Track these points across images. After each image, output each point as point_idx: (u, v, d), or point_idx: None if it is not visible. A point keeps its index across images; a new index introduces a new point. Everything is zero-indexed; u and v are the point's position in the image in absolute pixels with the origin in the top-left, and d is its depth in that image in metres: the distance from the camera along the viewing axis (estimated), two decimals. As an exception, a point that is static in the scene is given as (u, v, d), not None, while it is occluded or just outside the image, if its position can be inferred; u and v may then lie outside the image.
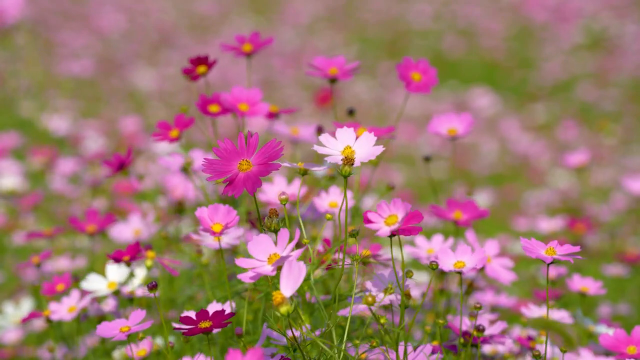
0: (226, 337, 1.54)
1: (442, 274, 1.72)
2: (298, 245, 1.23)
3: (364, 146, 1.25)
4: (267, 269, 1.17)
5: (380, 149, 1.24)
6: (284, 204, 1.27)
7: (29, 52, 6.00)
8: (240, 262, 1.18)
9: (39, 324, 2.07)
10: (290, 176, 1.72)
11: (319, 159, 1.63)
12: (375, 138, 1.25)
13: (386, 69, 6.85)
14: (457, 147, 5.03)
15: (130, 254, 1.50)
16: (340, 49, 7.22)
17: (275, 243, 1.19)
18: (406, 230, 1.24)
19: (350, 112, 1.64)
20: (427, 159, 1.79)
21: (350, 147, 1.25)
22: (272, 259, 1.18)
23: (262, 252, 1.19)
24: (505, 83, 6.74)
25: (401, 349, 1.30)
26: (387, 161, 4.63)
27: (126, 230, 1.99)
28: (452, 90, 6.41)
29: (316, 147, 1.25)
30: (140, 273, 1.65)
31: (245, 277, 1.18)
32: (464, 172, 4.78)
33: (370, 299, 1.21)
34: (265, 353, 1.27)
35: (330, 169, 1.67)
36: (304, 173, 1.33)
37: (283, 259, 1.15)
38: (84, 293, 1.59)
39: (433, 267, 1.29)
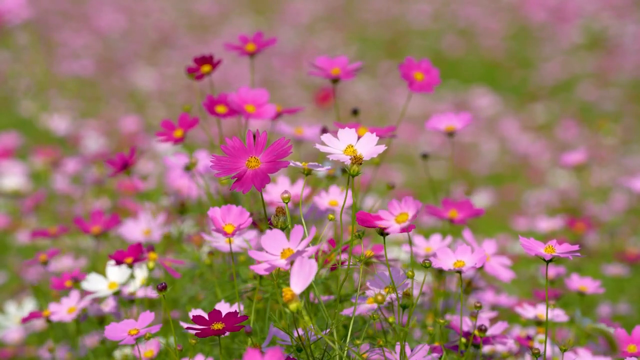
0: (231, 337, 1.54)
1: (441, 274, 1.73)
2: (312, 242, 1.24)
3: (366, 145, 1.28)
4: (281, 262, 1.18)
5: (382, 148, 1.26)
6: (286, 203, 1.28)
7: (31, 51, 6.00)
8: (253, 254, 1.19)
9: (40, 323, 2.07)
10: (293, 176, 1.73)
11: (322, 158, 1.64)
12: (377, 138, 1.27)
13: (386, 68, 6.86)
14: (456, 147, 5.04)
15: (133, 255, 1.47)
16: (340, 49, 7.23)
17: (288, 239, 1.20)
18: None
19: (355, 112, 1.65)
20: (424, 157, 1.80)
21: (352, 146, 1.27)
22: (285, 254, 1.19)
23: (275, 247, 1.20)
24: (505, 83, 6.75)
25: (399, 349, 1.31)
26: (387, 161, 4.63)
27: (136, 230, 1.93)
28: (452, 90, 6.42)
29: (318, 146, 1.27)
30: (141, 273, 1.64)
31: (260, 269, 1.18)
32: (464, 171, 4.79)
33: (380, 297, 1.22)
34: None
35: (331, 169, 1.68)
36: (308, 173, 1.34)
37: (298, 253, 1.16)
38: (84, 293, 1.57)
39: (426, 265, 1.30)
